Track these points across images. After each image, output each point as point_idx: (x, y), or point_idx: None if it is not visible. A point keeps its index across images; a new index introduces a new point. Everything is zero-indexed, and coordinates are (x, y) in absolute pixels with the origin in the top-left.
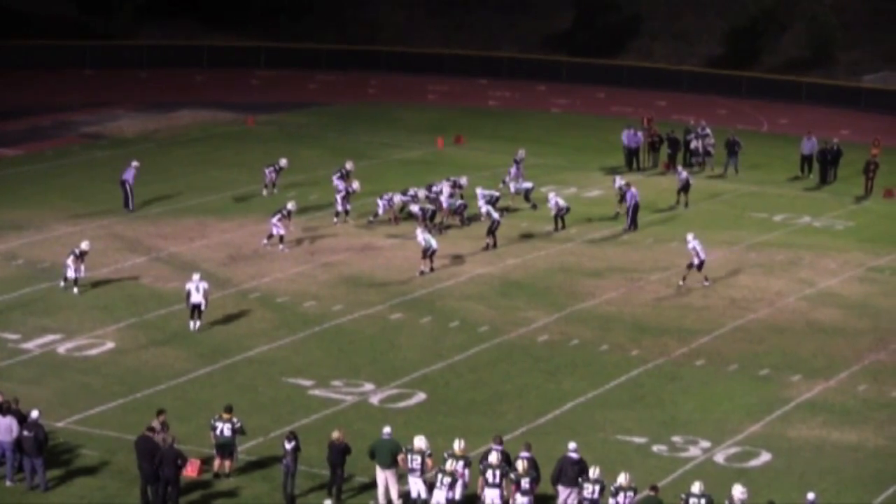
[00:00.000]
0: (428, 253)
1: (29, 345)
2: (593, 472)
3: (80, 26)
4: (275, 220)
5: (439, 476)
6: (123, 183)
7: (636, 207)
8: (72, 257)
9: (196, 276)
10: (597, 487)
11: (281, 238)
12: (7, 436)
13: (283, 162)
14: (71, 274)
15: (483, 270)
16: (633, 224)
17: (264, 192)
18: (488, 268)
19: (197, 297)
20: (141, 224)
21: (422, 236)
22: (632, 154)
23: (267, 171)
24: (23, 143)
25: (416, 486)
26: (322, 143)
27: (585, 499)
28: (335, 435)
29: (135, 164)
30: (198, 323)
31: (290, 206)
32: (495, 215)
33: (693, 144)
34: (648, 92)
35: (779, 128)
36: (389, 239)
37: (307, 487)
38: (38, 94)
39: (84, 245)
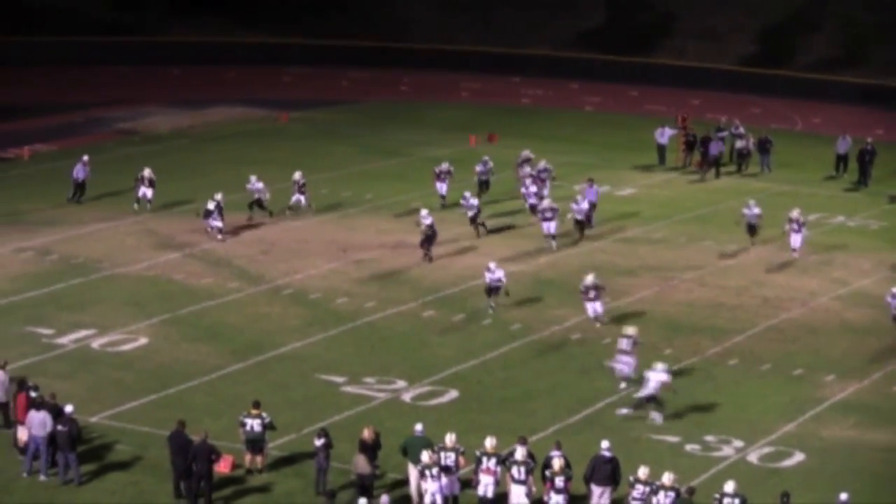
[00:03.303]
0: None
1: (63, 340)
2: (643, 472)
3: (113, 23)
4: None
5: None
6: (75, 181)
7: (593, 207)
8: None
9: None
10: (647, 489)
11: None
12: (41, 430)
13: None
14: None
15: (515, 268)
16: (589, 224)
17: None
18: (520, 266)
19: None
20: (174, 220)
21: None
22: (715, 161)
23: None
24: (56, 139)
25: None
26: (354, 140)
27: (635, 499)
28: (366, 433)
29: (84, 158)
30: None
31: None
32: None
33: (739, 144)
34: (681, 90)
35: (812, 127)
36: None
37: (339, 484)
38: (71, 91)
39: None
